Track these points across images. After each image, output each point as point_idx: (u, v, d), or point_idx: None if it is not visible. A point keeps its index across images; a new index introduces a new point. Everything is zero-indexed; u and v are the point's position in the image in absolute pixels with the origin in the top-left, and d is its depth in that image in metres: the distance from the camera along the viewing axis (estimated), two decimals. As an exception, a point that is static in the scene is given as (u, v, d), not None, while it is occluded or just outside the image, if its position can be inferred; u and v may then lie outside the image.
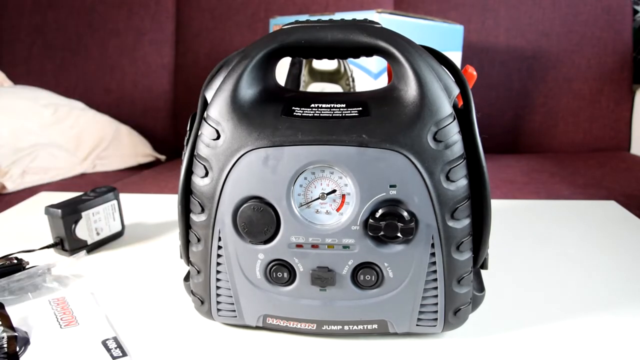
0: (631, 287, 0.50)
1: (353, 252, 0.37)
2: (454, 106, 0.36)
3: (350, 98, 0.39)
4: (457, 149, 0.36)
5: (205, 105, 0.38)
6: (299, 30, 0.39)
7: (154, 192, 0.97)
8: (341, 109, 0.37)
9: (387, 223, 0.35)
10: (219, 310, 0.41)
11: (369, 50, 0.39)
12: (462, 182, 0.36)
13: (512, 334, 0.42)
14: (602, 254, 0.57)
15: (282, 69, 0.43)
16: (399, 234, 0.35)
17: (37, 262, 0.55)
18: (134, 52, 1.45)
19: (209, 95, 0.38)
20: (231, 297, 0.40)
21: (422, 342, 0.41)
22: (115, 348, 0.41)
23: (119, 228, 0.65)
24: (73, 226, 0.59)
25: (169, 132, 1.47)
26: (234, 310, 0.41)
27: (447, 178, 0.35)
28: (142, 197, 0.85)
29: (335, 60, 0.93)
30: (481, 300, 0.42)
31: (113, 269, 0.57)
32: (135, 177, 1.17)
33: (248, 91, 0.38)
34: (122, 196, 0.68)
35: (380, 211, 0.36)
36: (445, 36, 1.05)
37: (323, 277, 0.38)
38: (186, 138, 0.40)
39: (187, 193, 0.39)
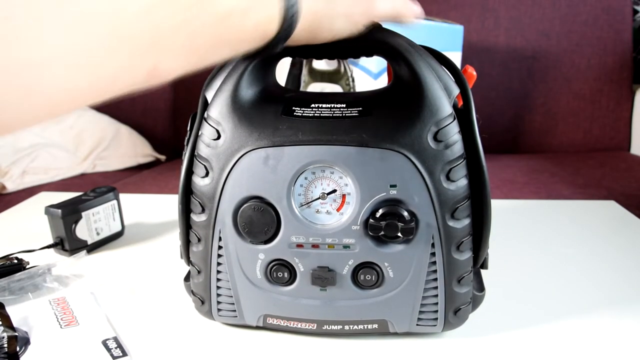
0: (631, 287, 0.50)
1: (353, 251, 0.37)
2: (454, 106, 0.36)
3: (350, 98, 0.39)
4: (457, 148, 0.36)
5: (206, 105, 0.38)
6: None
7: (154, 192, 0.97)
8: (341, 109, 0.37)
9: (387, 223, 0.35)
10: (219, 310, 0.41)
11: (369, 50, 0.39)
12: (462, 182, 0.36)
13: (512, 334, 0.42)
14: (602, 254, 0.57)
15: (282, 69, 0.43)
16: (399, 234, 0.35)
17: (37, 262, 0.55)
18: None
19: (209, 95, 0.38)
20: (231, 297, 0.40)
21: (422, 342, 0.41)
22: (116, 348, 0.41)
23: (119, 228, 0.65)
24: (73, 226, 0.59)
25: (169, 132, 1.47)
26: (235, 310, 0.41)
27: (447, 178, 0.35)
28: (142, 197, 0.85)
29: (335, 60, 0.93)
30: (481, 300, 0.42)
31: (113, 269, 0.57)
32: (135, 177, 1.18)
33: (248, 91, 0.38)
34: (122, 196, 0.68)
35: (380, 211, 0.36)
36: (445, 36, 1.05)
37: (323, 277, 0.38)
38: (186, 138, 0.40)
39: (188, 193, 0.39)
